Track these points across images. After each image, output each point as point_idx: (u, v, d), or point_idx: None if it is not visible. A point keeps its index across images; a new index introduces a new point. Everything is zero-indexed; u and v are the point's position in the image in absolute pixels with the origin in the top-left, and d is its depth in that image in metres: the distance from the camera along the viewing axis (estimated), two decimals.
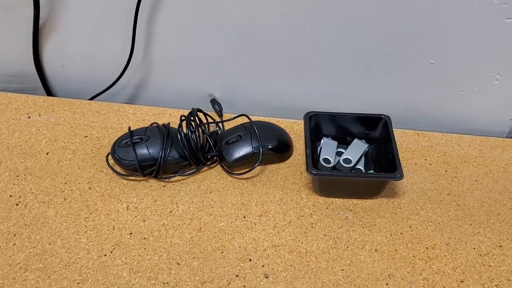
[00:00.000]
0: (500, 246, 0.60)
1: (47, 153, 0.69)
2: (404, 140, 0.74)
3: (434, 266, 0.57)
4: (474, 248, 0.59)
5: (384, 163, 0.64)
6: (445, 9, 0.64)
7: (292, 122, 0.76)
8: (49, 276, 0.54)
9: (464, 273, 0.57)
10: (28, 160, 0.68)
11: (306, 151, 0.62)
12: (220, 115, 0.76)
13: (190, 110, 0.66)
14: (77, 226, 0.60)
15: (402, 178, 0.58)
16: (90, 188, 0.64)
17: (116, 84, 0.79)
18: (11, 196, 0.63)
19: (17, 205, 0.62)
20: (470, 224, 0.62)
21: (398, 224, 0.62)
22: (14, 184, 0.64)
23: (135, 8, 0.70)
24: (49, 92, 0.85)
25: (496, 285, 0.55)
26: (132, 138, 0.65)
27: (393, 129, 0.65)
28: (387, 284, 0.55)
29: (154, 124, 0.69)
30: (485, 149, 0.73)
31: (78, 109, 0.77)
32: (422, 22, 0.66)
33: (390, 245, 0.59)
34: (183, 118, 0.65)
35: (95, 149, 0.70)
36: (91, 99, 0.81)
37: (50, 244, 0.58)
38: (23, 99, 0.78)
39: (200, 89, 0.81)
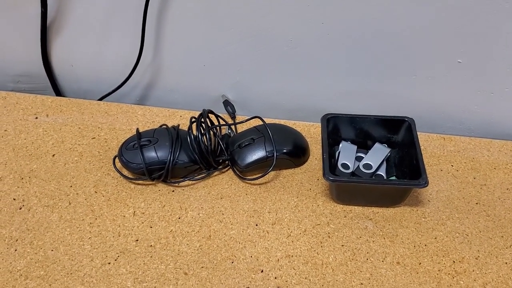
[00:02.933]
0: None
1: (53, 155, 0.67)
2: (428, 144, 0.70)
3: (461, 282, 0.53)
4: (506, 263, 0.55)
5: (407, 169, 0.60)
6: (475, 4, 0.61)
7: (308, 125, 0.73)
8: (50, 285, 0.52)
9: None
10: (33, 162, 0.66)
11: (323, 155, 0.58)
12: (233, 117, 0.73)
13: (201, 112, 0.63)
14: (81, 232, 0.58)
15: (427, 186, 0.55)
16: (96, 192, 0.62)
17: (126, 84, 0.77)
18: (14, 199, 0.61)
19: (20, 208, 0.60)
20: (502, 236, 0.58)
21: (422, 235, 0.58)
22: (18, 187, 0.62)
23: (144, 6, 0.68)
24: (58, 92, 0.83)
25: None
26: (140, 140, 0.62)
27: (417, 133, 0.61)
28: None
29: (163, 126, 0.66)
30: None
31: (86, 109, 0.75)
32: (450, 18, 0.63)
33: (413, 257, 0.55)
34: (193, 120, 0.63)
35: (103, 151, 0.68)
36: (101, 99, 0.79)
37: (52, 250, 0.56)
38: (31, 99, 0.76)
39: (213, 90, 0.79)
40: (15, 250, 0.55)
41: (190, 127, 0.62)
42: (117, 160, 0.64)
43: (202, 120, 0.62)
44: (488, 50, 0.65)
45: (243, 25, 0.69)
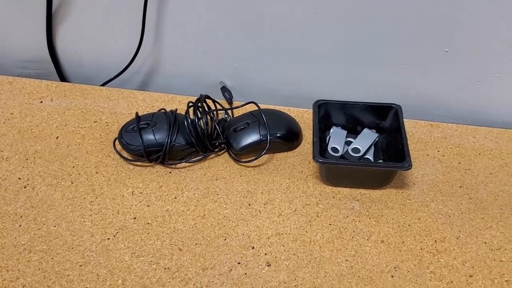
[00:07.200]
0: None
1: (57, 137, 0.69)
2: (416, 131, 0.72)
3: (442, 260, 0.55)
4: (485, 243, 0.57)
5: (393, 153, 0.62)
6: None
7: (302, 111, 0.75)
8: (52, 258, 0.55)
9: (473, 267, 0.55)
10: (38, 144, 0.68)
11: (313, 139, 0.61)
12: (230, 103, 0.75)
13: (198, 97, 0.66)
14: (82, 210, 0.60)
15: (410, 168, 0.57)
16: (97, 173, 0.65)
17: (127, 70, 0.79)
18: (19, 178, 0.64)
19: (25, 187, 0.63)
20: (482, 218, 0.60)
21: (407, 216, 0.60)
22: (23, 167, 0.65)
23: None
24: (62, 77, 0.85)
25: (506, 281, 0.53)
26: (138, 123, 0.65)
27: (406, 120, 0.63)
28: (392, 276, 0.54)
29: (162, 110, 0.68)
30: (501, 141, 0.70)
31: (89, 94, 0.77)
32: (437, 8, 0.64)
33: (397, 236, 0.58)
34: (190, 104, 0.65)
35: (104, 134, 0.70)
36: (103, 85, 0.81)
37: (55, 226, 0.58)
38: (37, 84, 0.78)
39: (211, 77, 0.80)
40: (20, 225, 0.58)
41: (187, 111, 0.64)
42: (117, 142, 0.66)
43: (199, 104, 0.65)
44: (474, 40, 0.66)
45: (240, 15, 0.71)
